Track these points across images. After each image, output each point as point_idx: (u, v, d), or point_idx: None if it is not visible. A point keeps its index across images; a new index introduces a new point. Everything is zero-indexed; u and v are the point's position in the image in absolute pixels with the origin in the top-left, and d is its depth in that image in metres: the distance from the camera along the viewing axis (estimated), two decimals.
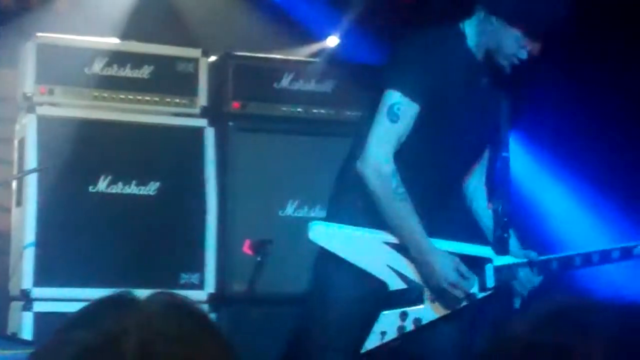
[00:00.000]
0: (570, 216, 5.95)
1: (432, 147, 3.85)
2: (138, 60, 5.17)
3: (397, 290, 3.81)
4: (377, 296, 3.80)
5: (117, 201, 5.00)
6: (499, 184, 4.00)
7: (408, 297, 3.82)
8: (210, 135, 5.21)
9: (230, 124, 5.32)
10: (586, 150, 5.70)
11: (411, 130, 3.78)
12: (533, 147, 6.08)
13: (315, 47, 5.96)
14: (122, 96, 5.14)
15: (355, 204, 3.86)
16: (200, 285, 5.04)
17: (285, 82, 5.41)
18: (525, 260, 3.87)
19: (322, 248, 3.84)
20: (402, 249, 3.79)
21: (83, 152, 4.98)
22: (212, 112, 5.30)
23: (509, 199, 3.95)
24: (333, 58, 5.74)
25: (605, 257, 3.88)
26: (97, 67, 5.10)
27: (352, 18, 5.81)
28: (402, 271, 3.80)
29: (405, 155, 3.78)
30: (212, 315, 4.87)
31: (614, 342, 1.23)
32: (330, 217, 3.95)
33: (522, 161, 6.04)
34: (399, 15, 5.61)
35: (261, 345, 4.90)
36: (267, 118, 5.37)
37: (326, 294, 3.86)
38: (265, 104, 5.37)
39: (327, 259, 3.84)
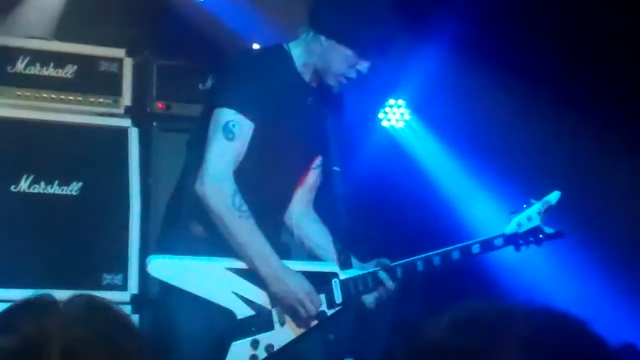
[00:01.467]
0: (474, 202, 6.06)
1: (263, 166, 3.79)
2: (61, 59, 5.12)
3: (245, 318, 3.71)
4: (225, 326, 3.69)
5: (39, 201, 4.93)
6: (334, 198, 3.96)
7: (257, 323, 3.72)
8: (134, 136, 5.17)
9: (155, 124, 5.30)
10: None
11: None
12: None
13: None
14: (45, 95, 5.08)
15: (192, 232, 3.77)
16: (123, 286, 4.99)
17: (210, 83, 5.39)
18: (371, 269, 3.80)
19: (163, 282, 3.75)
20: (246, 273, 3.70)
21: (5, 151, 4.91)
22: (137, 113, 5.27)
23: (345, 212, 3.92)
24: None
25: (446, 258, 3.81)
26: (20, 66, 5.05)
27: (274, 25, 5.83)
28: (249, 296, 3.71)
29: (239, 176, 3.70)
30: (135, 317, 4.84)
31: (529, 346, 1.26)
32: (165, 248, 3.83)
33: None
34: None
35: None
36: (192, 119, 5.33)
37: (173, 329, 3.73)
38: (190, 104, 5.35)
39: (169, 293, 3.73)
